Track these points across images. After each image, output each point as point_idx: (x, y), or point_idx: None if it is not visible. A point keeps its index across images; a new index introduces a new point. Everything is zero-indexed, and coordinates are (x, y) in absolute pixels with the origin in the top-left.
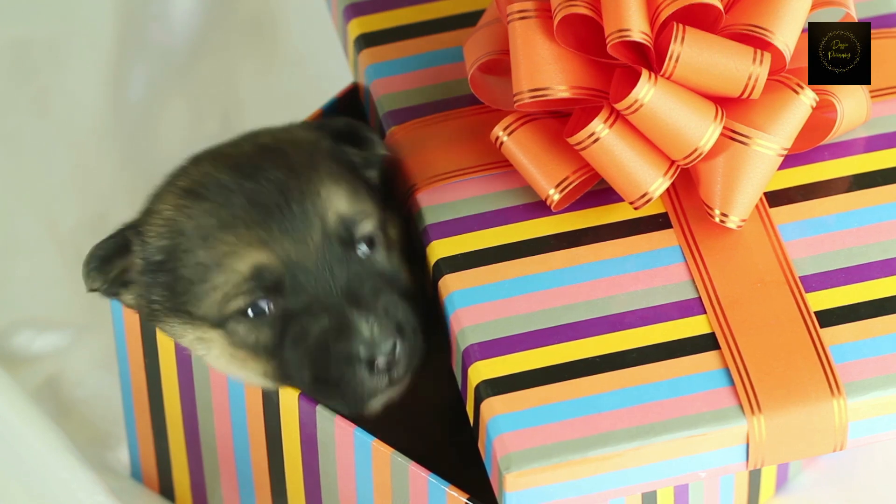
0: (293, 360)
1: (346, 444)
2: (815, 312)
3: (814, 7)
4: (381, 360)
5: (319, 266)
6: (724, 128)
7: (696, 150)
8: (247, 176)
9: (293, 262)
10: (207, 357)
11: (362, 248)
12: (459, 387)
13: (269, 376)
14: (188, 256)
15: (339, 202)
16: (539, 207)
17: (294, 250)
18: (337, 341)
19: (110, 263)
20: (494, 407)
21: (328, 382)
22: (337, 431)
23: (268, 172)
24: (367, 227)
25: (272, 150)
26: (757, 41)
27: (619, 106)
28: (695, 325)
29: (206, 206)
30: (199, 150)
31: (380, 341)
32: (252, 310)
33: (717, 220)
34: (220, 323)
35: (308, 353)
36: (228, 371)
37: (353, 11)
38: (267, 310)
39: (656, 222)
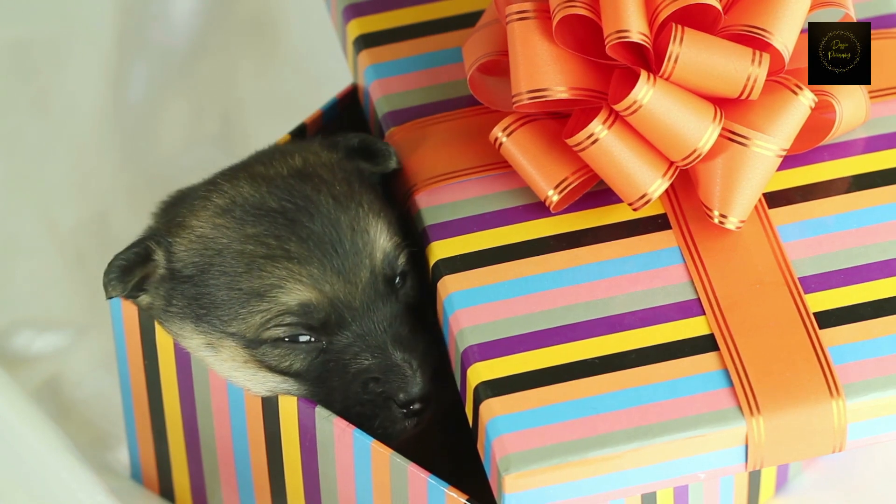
0: (327, 388)
1: (346, 445)
2: (815, 313)
3: (813, 7)
4: (417, 406)
5: (365, 305)
6: (723, 129)
7: (694, 150)
8: (290, 202)
9: (341, 301)
10: (213, 361)
11: (398, 282)
12: (458, 388)
13: (289, 393)
14: (225, 278)
15: (383, 239)
16: (538, 208)
17: (343, 290)
18: (378, 381)
19: (131, 273)
20: (493, 408)
21: (360, 414)
22: (336, 432)
23: (313, 202)
24: (403, 260)
25: (308, 174)
26: (756, 42)
27: (617, 107)
28: (694, 327)
29: (249, 231)
30: (228, 167)
31: (420, 388)
32: (289, 338)
33: (716, 221)
34: (251, 344)
35: (345, 385)
36: (232, 378)
37: (352, 12)
38: (306, 340)
39: (655, 223)
